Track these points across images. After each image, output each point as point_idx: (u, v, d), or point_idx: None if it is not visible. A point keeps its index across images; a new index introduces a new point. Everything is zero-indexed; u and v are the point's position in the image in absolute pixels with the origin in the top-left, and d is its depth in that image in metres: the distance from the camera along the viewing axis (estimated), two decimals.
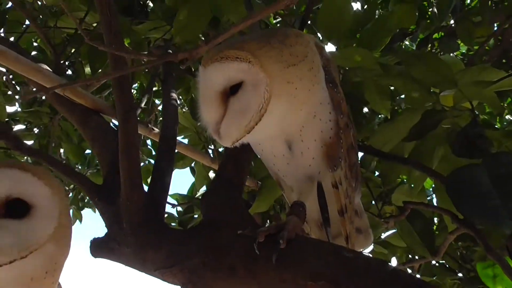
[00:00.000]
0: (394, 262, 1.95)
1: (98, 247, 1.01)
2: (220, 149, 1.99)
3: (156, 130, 1.69)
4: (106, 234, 1.02)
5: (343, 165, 0.93)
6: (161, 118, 2.41)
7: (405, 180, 1.57)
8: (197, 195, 2.61)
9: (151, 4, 1.88)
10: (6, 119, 2.24)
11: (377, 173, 1.55)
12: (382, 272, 0.73)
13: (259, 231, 0.82)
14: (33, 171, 0.70)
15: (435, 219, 1.82)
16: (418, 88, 1.12)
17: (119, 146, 1.03)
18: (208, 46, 0.58)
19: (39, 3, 1.86)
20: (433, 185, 1.59)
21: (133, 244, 0.96)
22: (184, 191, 2.64)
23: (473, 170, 0.89)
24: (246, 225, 0.89)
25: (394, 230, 1.64)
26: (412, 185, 1.34)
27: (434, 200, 1.71)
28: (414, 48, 2.19)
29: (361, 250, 1.07)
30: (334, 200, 0.94)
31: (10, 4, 1.92)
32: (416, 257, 1.88)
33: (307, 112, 0.88)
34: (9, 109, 2.35)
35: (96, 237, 1.03)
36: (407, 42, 2.47)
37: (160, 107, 2.41)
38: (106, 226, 1.05)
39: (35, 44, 2.26)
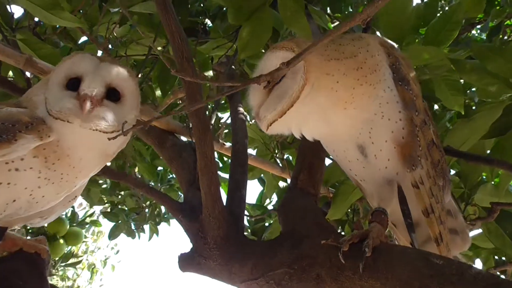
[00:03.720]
0: (478, 264, 1.84)
1: (186, 262, 1.06)
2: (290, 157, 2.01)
3: (227, 144, 1.74)
4: (191, 249, 1.08)
5: (424, 163, 0.91)
6: (226, 131, 2.48)
7: (484, 178, 1.49)
8: (265, 204, 2.66)
9: (209, 23, 1.95)
10: None
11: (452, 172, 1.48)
12: (477, 280, 0.70)
13: (342, 240, 0.83)
14: (128, 70, 0.90)
15: None
16: (495, 81, 1.07)
17: (197, 164, 1.08)
18: (289, 68, 0.60)
19: (110, 36, 2.00)
20: None
21: (219, 258, 1.01)
22: (252, 200, 2.70)
23: None
24: (327, 234, 0.90)
25: (479, 231, 1.55)
26: (494, 184, 1.26)
27: None
28: (483, 37, 2.07)
29: (459, 252, 1.03)
30: (417, 201, 0.92)
31: (81, 39, 2.07)
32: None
33: (363, 114, 0.88)
34: None
35: (183, 252, 1.09)
36: (474, 32, 2.34)
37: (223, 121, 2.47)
38: (191, 241, 1.10)
39: None
